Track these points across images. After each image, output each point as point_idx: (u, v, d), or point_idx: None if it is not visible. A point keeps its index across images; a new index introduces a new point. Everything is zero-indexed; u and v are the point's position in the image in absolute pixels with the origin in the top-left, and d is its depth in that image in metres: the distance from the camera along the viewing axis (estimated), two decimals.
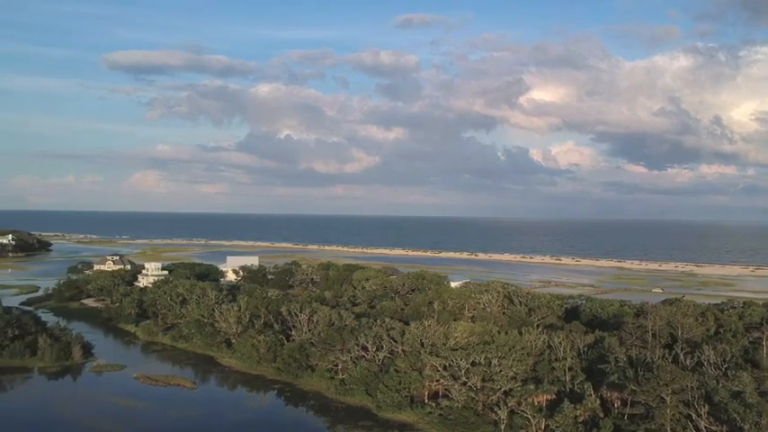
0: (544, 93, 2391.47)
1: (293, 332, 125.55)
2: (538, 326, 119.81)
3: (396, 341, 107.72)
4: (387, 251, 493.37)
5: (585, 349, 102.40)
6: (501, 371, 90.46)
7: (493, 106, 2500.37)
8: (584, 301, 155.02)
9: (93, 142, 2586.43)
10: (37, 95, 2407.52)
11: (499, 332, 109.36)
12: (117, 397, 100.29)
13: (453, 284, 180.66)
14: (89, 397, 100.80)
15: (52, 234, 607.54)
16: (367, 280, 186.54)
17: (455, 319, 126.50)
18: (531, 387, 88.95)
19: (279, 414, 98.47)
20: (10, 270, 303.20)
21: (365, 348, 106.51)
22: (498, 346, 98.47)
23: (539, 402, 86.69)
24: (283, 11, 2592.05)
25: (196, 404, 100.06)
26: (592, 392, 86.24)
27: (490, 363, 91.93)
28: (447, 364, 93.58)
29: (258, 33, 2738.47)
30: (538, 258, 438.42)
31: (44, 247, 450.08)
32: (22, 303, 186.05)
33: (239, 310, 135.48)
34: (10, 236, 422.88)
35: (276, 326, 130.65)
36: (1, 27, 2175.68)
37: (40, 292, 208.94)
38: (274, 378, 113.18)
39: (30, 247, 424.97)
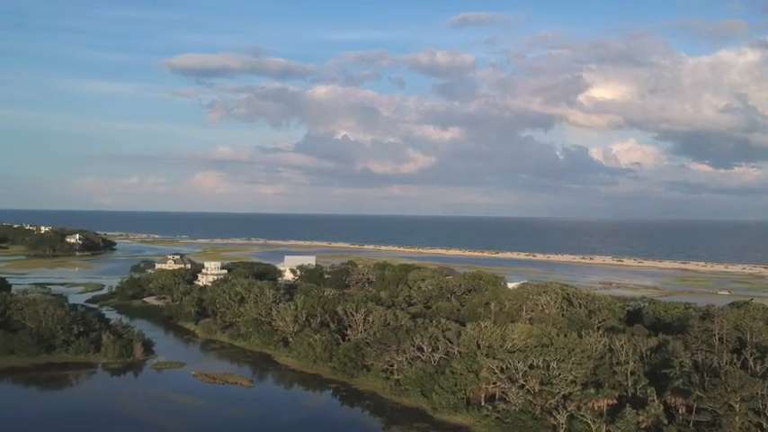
0: (604, 90, 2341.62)
1: (349, 332, 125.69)
2: (598, 328, 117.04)
3: (452, 342, 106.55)
4: (443, 251, 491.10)
5: (648, 353, 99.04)
6: (560, 374, 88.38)
7: (551, 104, 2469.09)
8: (646, 304, 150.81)
9: (155, 144, 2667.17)
10: (103, 99, 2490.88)
11: (558, 334, 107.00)
12: (176, 394, 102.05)
13: (510, 285, 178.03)
14: (149, 393, 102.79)
15: (117, 234, 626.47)
16: (423, 280, 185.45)
17: (512, 321, 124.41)
18: (592, 391, 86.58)
19: (334, 413, 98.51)
20: (77, 268, 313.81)
21: (421, 349, 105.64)
22: (557, 348, 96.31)
23: (599, 407, 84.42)
24: (340, 13, 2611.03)
25: (253, 402, 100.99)
26: (655, 398, 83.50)
27: (548, 366, 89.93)
28: (504, 367, 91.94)
29: (315, 35, 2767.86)
30: (598, 259, 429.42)
31: (109, 246, 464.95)
32: (88, 301, 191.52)
33: (296, 309, 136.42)
34: (77, 235, 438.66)
35: (332, 325, 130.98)
36: (67, 33, 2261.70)
37: (105, 290, 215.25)
38: (330, 377, 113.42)
39: (95, 247, 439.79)
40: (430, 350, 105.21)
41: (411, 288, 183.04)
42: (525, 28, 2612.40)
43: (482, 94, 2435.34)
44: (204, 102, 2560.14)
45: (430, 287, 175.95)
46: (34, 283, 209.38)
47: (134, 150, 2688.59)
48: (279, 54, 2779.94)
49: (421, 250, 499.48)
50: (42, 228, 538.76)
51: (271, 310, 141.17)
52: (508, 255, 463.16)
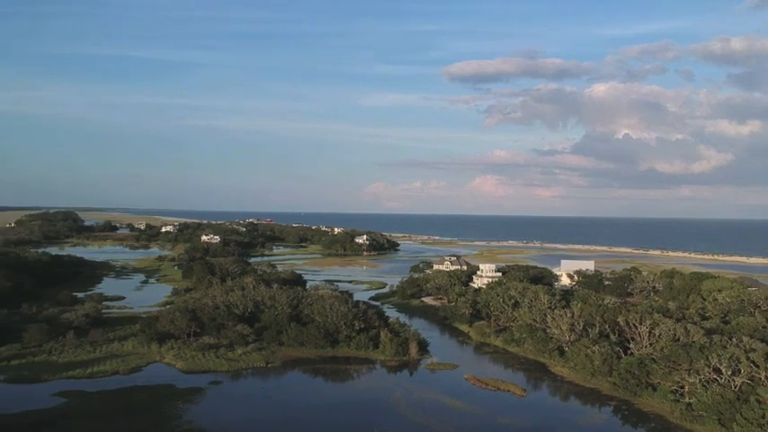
0: None
1: (631, 345, 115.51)
2: None
3: (757, 365, 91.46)
4: (743, 259, 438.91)
5: None
6: None
7: None
8: None
9: (436, 150, 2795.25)
10: (389, 110, 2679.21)
11: None
12: (447, 397, 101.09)
13: None
14: (422, 394, 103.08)
15: (400, 235, 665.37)
16: (719, 291, 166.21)
17: None
18: None
19: None
20: (364, 267, 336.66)
21: (718, 371, 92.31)
22: None
23: None
24: (617, 7, 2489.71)
25: (525, 413, 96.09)
26: None
27: None
28: None
29: (591, 32, 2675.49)
30: None
31: (393, 246, 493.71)
32: (371, 298, 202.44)
33: (572, 316, 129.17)
34: (365, 236, 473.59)
35: (612, 336, 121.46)
36: (362, 50, 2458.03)
37: (386, 289, 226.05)
38: (610, 393, 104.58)
39: (381, 247, 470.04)
40: (729, 373, 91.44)
41: (705, 299, 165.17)
42: None
43: None
44: (481, 107, 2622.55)
45: (728, 299, 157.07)
46: (326, 280, 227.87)
47: (417, 157, 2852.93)
48: (554, 54, 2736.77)
49: (716, 257, 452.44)
50: (336, 229, 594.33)
51: (545, 316, 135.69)
52: None
